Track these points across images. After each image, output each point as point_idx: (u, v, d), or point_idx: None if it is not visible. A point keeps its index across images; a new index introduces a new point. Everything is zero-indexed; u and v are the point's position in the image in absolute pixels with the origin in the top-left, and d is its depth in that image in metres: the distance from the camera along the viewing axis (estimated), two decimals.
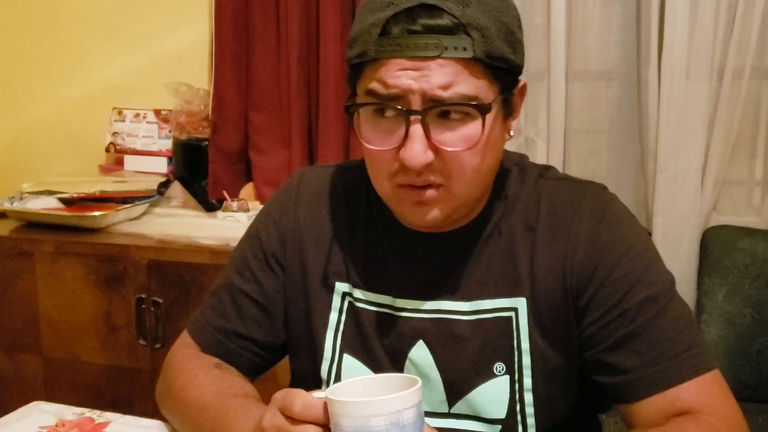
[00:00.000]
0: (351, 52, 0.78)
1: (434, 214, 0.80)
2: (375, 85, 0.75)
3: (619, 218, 0.85)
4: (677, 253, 1.91)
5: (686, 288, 1.90)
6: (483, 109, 0.75)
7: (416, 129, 0.74)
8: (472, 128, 0.76)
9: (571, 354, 0.84)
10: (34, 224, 2.05)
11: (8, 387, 2.02)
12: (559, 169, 2.06)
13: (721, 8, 1.83)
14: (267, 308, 0.93)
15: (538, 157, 1.99)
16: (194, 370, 0.89)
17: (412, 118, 0.74)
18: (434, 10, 0.72)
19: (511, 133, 0.83)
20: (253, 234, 0.96)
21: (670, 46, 1.85)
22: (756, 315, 1.80)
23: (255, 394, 0.85)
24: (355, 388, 0.66)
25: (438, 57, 0.72)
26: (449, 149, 0.76)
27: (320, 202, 0.93)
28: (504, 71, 0.77)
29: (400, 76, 0.73)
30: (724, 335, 1.81)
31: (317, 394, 0.67)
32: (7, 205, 2.07)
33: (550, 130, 1.98)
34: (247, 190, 2.18)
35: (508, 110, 0.81)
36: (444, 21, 0.72)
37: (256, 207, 2.08)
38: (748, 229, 1.89)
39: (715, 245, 1.88)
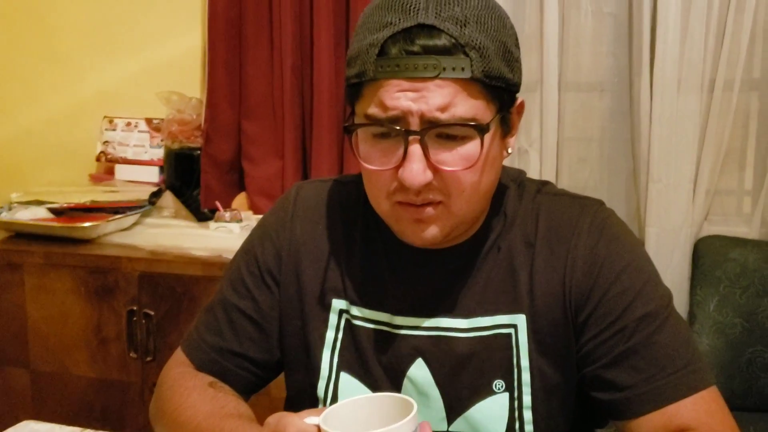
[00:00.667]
0: (349, 71, 0.77)
1: (433, 232, 0.80)
2: (374, 110, 0.75)
3: (616, 234, 0.85)
4: (670, 264, 1.92)
5: (678, 298, 1.91)
6: (481, 130, 0.75)
7: (415, 149, 0.74)
8: (471, 148, 0.76)
9: (570, 370, 0.84)
10: (23, 235, 2.03)
11: None
12: (552, 180, 2.07)
13: (711, 21, 1.85)
14: (262, 325, 0.92)
15: (531, 167, 2.00)
16: (188, 390, 0.88)
17: (411, 138, 0.74)
18: (432, 31, 0.72)
19: (509, 151, 0.83)
20: (248, 249, 0.95)
21: (662, 58, 1.86)
22: (747, 325, 1.81)
23: (249, 414, 0.84)
24: (350, 409, 0.65)
25: (436, 78, 0.72)
26: (448, 169, 0.76)
27: (317, 217, 0.93)
28: (502, 90, 0.77)
29: (399, 97, 0.73)
30: (716, 345, 1.82)
31: (311, 420, 0.65)
32: None
33: (542, 141, 1.99)
34: (240, 200, 2.18)
35: (506, 128, 0.81)
36: (442, 41, 0.72)
37: (248, 217, 2.07)
38: (739, 240, 1.91)
39: (707, 256, 1.89)
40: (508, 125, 0.81)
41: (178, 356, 0.97)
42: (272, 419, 0.68)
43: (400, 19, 0.73)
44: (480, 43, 0.73)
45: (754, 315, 1.81)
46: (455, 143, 0.76)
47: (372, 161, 0.78)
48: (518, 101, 0.82)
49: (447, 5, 0.74)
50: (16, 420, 1.00)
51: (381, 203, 0.81)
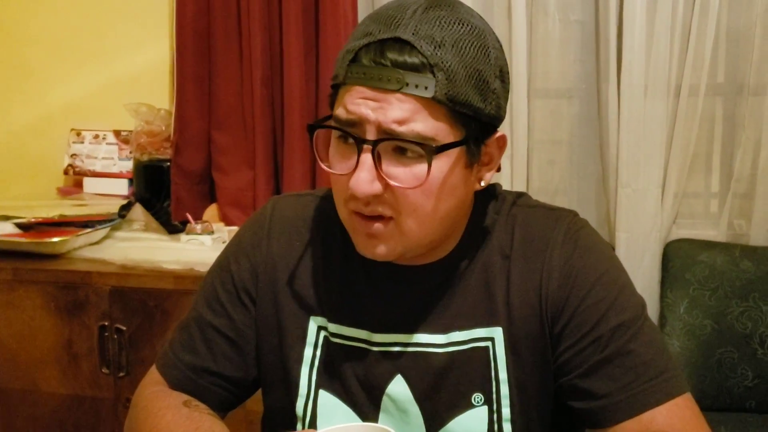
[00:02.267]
0: (333, 73, 0.80)
1: (382, 250, 0.80)
2: (339, 111, 0.77)
3: (590, 245, 0.86)
4: (640, 268, 1.95)
5: (649, 301, 1.93)
6: (429, 150, 0.74)
7: (366, 158, 0.75)
8: (423, 168, 0.75)
9: (548, 381, 0.85)
10: None
11: None
12: (522, 186, 2.08)
13: (676, 27, 1.89)
14: (238, 344, 0.91)
15: (502, 175, 2.01)
16: (162, 410, 0.87)
17: (364, 147, 0.75)
18: (406, 46, 0.73)
19: (482, 184, 0.83)
20: (223, 266, 0.95)
21: (628, 64, 1.89)
22: (716, 326, 1.84)
23: None
24: None
25: (398, 91, 0.73)
26: (396, 184, 0.76)
27: (294, 233, 0.92)
28: (469, 118, 0.76)
29: (360, 104, 0.74)
30: (686, 347, 1.85)
31: None
32: None
33: (513, 148, 2.00)
34: (211, 211, 2.16)
35: (474, 159, 0.80)
36: (412, 59, 0.73)
37: (220, 229, 2.06)
38: (707, 242, 1.94)
39: (676, 259, 1.92)
40: (476, 156, 0.80)
41: (153, 375, 0.95)
42: None
43: (380, 30, 0.75)
44: (450, 66, 0.73)
45: (723, 316, 1.84)
46: (410, 160, 0.76)
47: (333, 165, 0.79)
48: (497, 134, 0.82)
49: (428, 24, 0.74)
50: None
51: (341, 210, 0.82)
